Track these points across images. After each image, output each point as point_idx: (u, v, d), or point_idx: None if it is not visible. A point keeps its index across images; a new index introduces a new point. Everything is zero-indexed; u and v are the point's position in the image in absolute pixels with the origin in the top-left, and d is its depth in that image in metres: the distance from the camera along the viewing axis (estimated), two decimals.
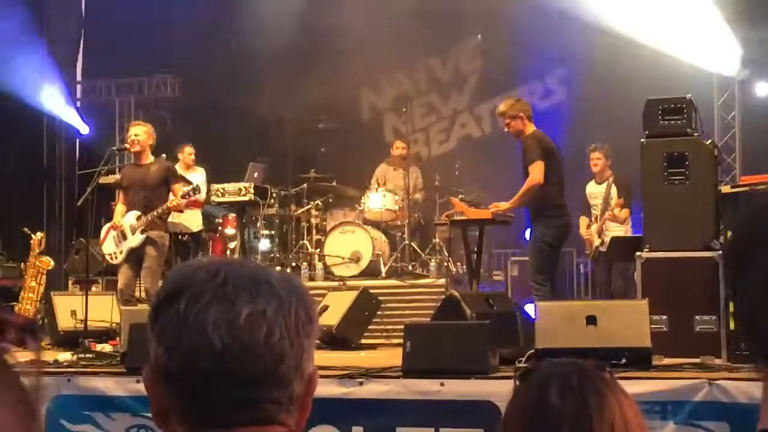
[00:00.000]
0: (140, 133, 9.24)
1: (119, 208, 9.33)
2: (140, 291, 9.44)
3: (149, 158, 9.28)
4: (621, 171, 10.32)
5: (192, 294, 1.34)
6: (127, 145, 9.27)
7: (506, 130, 8.59)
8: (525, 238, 10.69)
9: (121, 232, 9.15)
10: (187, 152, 11.55)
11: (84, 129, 15.49)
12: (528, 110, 8.53)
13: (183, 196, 9.11)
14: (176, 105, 15.05)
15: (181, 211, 9.91)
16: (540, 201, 8.28)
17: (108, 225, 9.40)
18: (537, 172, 8.20)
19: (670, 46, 12.41)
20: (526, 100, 8.85)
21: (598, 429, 1.52)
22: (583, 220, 10.47)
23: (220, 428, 1.33)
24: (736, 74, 12.81)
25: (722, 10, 12.03)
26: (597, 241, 10.42)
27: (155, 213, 9.02)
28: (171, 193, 9.21)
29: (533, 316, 6.71)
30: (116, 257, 9.21)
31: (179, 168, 10.68)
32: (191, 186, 9.38)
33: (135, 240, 9.07)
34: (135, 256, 9.09)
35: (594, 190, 10.64)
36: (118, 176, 9.72)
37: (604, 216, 10.37)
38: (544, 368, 1.62)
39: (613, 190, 10.44)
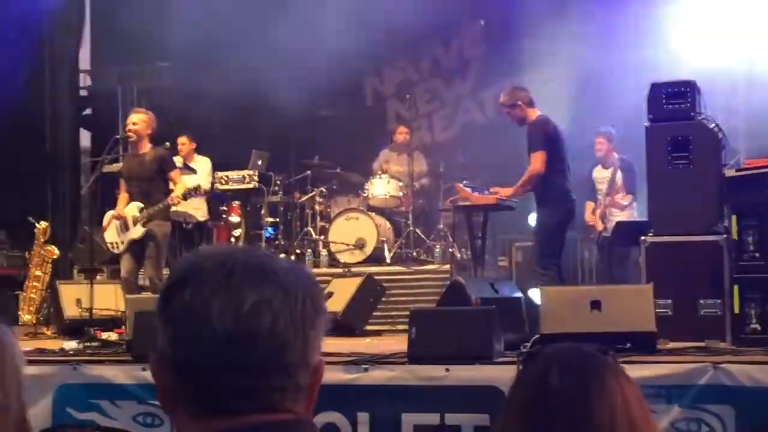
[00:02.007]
0: (138, 121, 9.17)
1: (122, 197, 9.31)
2: (145, 279, 9.45)
3: (146, 147, 9.21)
4: (627, 155, 10.31)
5: (198, 282, 1.34)
6: (127, 133, 9.22)
7: (509, 118, 8.59)
8: (530, 224, 10.71)
9: (124, 223, 9.15)
10: (180, 142, 11.40)
11: (87, 118, 15.50)
12: (525, 97, 8.48)
13: (185, 196, 9.09)
14: (180, 93, 15.03)
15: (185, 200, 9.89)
16: (544, 186, 8.27)
17: (111, 213, 9.38)
18: (537, 161, 8.18)
19: (676, 28, 12.38)
20: (523, 87, 8.77)
21: (599, 412, 1.52)
22: (589, 205, 10.46)
23: (225, 416, 1.33)
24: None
25: None
26: (600, 226, 10.44)
27: (157, 207, 9.00)
28: (171, 182, 9.19)
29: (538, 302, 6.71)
30: (118, 247, 9.22)
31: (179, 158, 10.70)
32: (193, 186, 9.34)
33: (136, 232, 9.05)
34: (137, 246, 9.09)
35: (600, 175, 10.63)
36: (120, 165, 9.70)
37: (606, 200, 10.38)
38: (547, 352, 1.62)
39: (618, 175, 10.43)
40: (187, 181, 9.56)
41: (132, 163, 9.22)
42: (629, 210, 10.49)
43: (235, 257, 1.37)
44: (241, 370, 1.32)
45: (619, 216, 10.38)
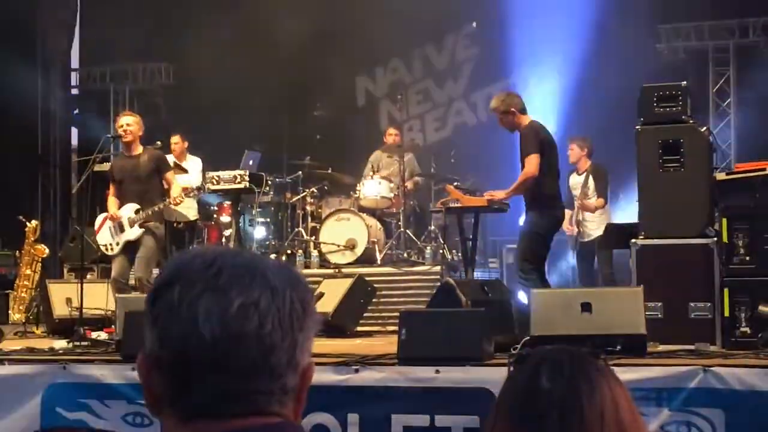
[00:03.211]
0: (132, 123, 9.19)
1: (111, 200, 9.29)
2: (135, 280, 9.44)
3: (139, 148, 9.23)
4: (617, 159, 10.34)
5: (185, 283, 1.33)
6: (121, 133, 9.21)
7: (500, 125, 8.56)
8: (520, 226, 10.73)
9: (119, 224, 9.14)
10: (173, 142, 11.40)
11: (78, 117, 15.47)
12: (518, 103, 8.42)
13: (186, 194, 9.10)
14: (171, 93, 15.03)
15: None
16: (536, 191, 8.25)
17: (104, 215, 9.38)
18: (532, 164, 8.17)
19: (665, 32, 12.41)
20: (515, 93, 8.73)
21: (588, 415, 1.53)
22: (568, 213, 10.49)
23: (211, 419, 1.32)
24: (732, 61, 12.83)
25: None
26: (575, 231, 10.53)
27: (155, 208, 9.00)
28: (165, 182, 9.20)
29: (527, 304, 6.72)
30: (112, 249, 9.21)
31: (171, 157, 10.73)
32: (196, 185, 9.35)
33: (133, 233, 9.06)
34: (131, 247, 9.09)
35: (574, 181, 10.72)
36: (108, 166, 9.67)
37: (577, 204, 10.49)
38: (537, 354, 1.62)
39: (591, 181, 10.52)
40: (180, 181, 9.56)
41: (125, 165, 9.22)
42: (602, 214, 10.56)
43: (224, 258, 1.36)
44: (228, 372, 1.31)
45: (591, 220, 10.47)
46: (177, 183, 9.30)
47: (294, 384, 1.36)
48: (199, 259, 1.36)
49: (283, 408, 1.36)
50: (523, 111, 8.42)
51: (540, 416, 1.54)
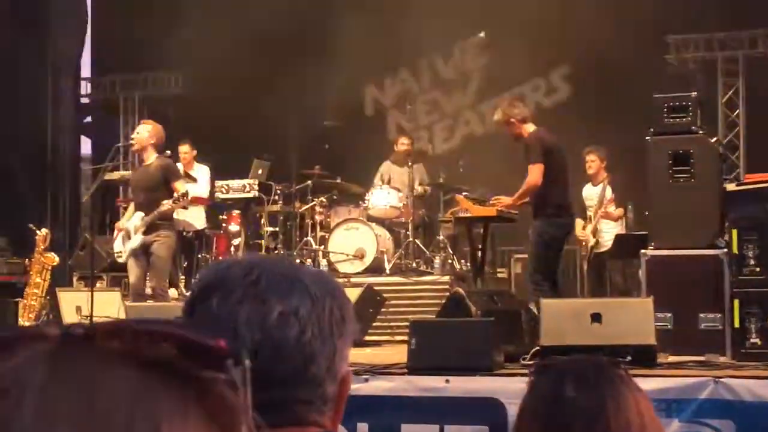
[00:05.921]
0: (141, 131, 9.22)
1: (129, 209, 9.39)
2: (151, 288, 9.47)
3: (151, 158, 9.23)
4: (627, 169, 10.34)
5: (224, 291, 1.32)
6: (132, 142, 9.26)
7: (508, 135, 8.58)
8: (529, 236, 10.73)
9: (126, 233, 9.19)
10: (182, 151, 11.36)
11: (90, 125, 15.52)
12: (519, 113, 8.38)
13: (174, 202, 9.02)
14: (181, 102, 15.06)
15: (185, 208, 9.89)
16: (541, 199, 8.24)
17: (118, 224, 9.52)
18: (535, 174, 8.16)
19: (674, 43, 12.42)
20: (516, 103, 8.68)
21: (614, 424, 1.53)
22: (579, 222, 10.47)
23: None
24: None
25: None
26: (591, 241, 10.51)
27: (153, 216, 8.99)
28: (174, 191, 9.19)
29: (537, 313, 6.72)
30: (121, 256, 9.30)
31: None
32: (180, 193, 9.22)
33: (135, 241, 9.06)
34: (142, 254, 9.09)
35: (589, 193, 10.71)
36: (124, 173, 9.71)
37: (598, 215, 10.47)
38: (560, 363, 1.63)
39: (608, 191, 10.51)
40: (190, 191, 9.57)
41: (138, 174, 9.29)
42: (619, 225, 10.57)
43: (262, 266, 1.35)
44: (268, 380, 1.29)
45: (608, 231, 10.46)
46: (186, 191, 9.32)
47: (333, 392, 1.35)
48: (238, 267, 1.36)
49: (322, 417, 1.35)
50: (525, 120, 8.39)
51: (566, 425, 1.54)
